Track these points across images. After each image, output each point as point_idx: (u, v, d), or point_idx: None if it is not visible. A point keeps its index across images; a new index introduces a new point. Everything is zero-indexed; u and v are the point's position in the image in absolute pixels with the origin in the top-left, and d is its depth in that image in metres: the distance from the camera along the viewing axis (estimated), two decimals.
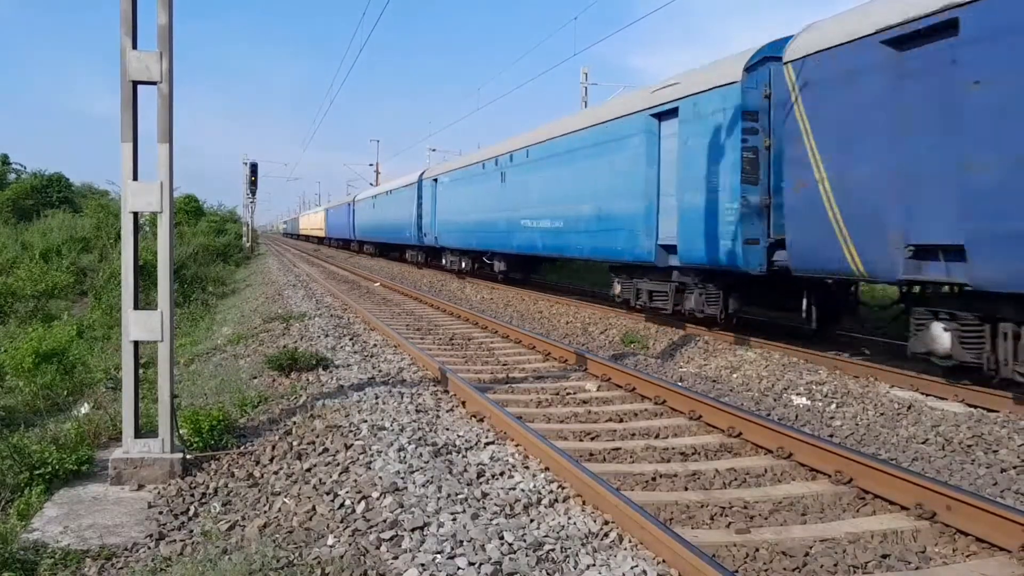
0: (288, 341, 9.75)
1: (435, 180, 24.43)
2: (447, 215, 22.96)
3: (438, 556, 3.49)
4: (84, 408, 6.59)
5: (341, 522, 3.97)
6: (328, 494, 4.36)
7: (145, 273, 5.86)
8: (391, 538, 3.71)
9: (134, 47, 4.76)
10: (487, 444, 5.35)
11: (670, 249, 10.79)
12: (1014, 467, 5.19)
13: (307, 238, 77.72)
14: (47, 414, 6.71)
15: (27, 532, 4.07)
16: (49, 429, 5.69)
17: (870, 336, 10.12)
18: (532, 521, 4.00)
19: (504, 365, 8.75)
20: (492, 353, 9.58)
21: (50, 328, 9.91)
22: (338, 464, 4.85)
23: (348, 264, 31.74)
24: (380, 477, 4.50)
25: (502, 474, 4.72)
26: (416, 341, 10.17)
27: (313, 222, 69.88)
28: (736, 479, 4.87)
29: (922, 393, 7.24)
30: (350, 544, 3.68)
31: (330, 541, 3.76)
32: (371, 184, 48.74)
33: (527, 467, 4.85)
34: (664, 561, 3.51)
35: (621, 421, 6.28)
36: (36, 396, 7.38)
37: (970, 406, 6.75)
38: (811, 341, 9.60)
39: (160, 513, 4.38)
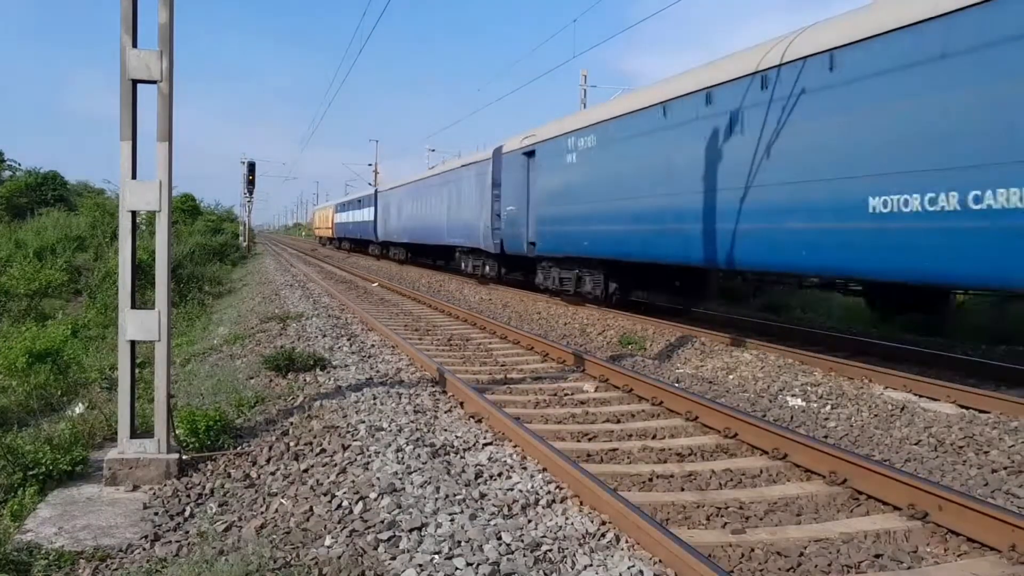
0: (285, 341, 9.74)
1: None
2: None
3: (436, 556, 3.50)
4: (79, 408, 6.57)
5: (339, 523, 3.97)
6: (325, 495, 4.36)
7: (141, 272, 5.85)
8: (389, 539, 3.72)
9: (134, 45, 4.75)
10: (485, 445, 5.36)
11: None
12: (1004, 468, 5.21)
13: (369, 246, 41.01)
14: (41, 414, 6.69)
15: (20, 533, 4.05)
16: (43, 429, 5.66)
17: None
18: (530, 521, 4.01)
19: (502, 366, 8.76)
20: (490, 354, 9.59)
21: (44, 327, 9.88)
22: (335, 465, 4.85)
23: (346, 264, 31.75)
24: (378, 478, 4.51)
25: (500, 475, 4.73)
26: (414, 341, 10.17)
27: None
28: (732, 480, 4.89)
29: (915, 394, 7.29)
30: (348, 545, 3.68)
31: (327, 542, 3.76)
32: (369, 184, 49.86)
33: (525, 468, 4.86)
34: (661, 561, 3.53)
35: (619, 422, 6.30)
36: (30, 396, 7.36)
37: (962, 407, 6.79)
38: (807, 342, 9.74)
39: (155, 514, 4.36)
